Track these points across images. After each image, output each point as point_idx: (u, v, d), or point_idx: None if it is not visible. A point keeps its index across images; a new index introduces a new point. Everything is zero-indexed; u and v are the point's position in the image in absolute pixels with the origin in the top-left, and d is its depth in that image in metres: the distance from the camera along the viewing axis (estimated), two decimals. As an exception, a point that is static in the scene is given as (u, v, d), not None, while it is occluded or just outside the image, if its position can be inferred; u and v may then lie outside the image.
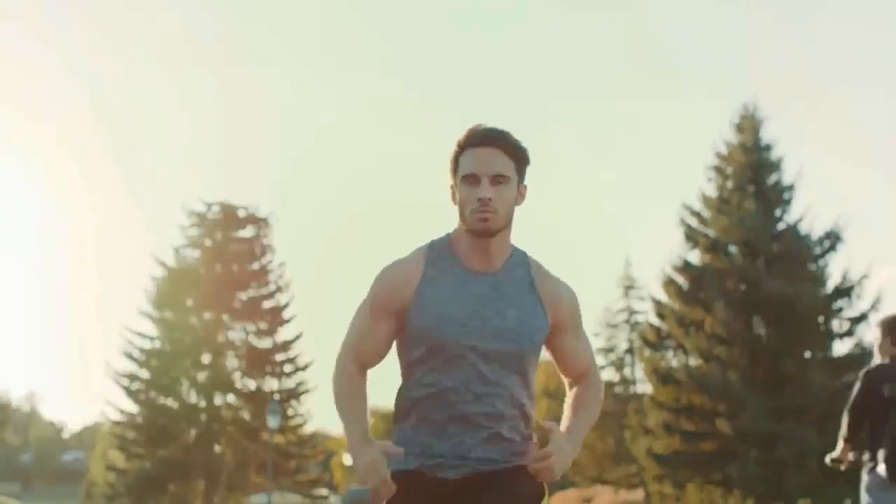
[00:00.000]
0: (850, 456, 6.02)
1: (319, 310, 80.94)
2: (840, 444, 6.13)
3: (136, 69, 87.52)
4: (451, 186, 3.08)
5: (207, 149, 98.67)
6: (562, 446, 2.98)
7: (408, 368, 3.09)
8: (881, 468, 5.82)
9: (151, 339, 35.87)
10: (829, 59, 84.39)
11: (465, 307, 3.00)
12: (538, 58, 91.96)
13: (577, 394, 3.19)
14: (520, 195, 3.07)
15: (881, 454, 5.82)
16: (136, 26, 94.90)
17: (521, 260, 3.11)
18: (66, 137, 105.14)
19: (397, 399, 3.13)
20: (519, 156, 3.03)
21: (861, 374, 6.07)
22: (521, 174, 3.05)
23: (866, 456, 5.97)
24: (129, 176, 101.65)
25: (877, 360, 6.22)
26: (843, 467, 6.12)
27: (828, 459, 5.99)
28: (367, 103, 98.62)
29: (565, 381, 3.22)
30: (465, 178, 3.00)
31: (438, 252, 3.09)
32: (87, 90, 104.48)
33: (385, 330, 3.07)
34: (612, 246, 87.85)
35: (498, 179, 2.98)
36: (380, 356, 3.12)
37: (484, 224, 2.97)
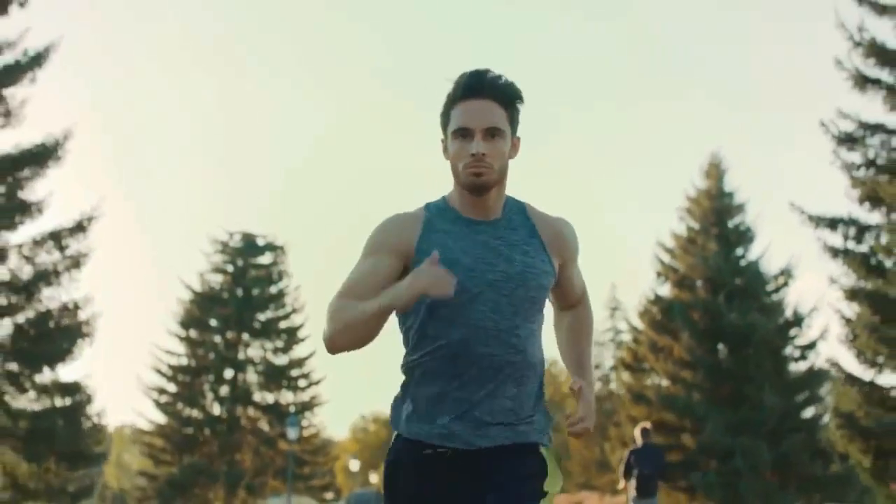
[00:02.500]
0: (627, 488, 12.63)
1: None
2: (622, 482, 13.32)
3: (136, 71, 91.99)
4: (442, 141, 3.07)
5: (207, 152, 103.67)
6: (590, 402, 3.10)
7: (416, 327, 3.05)
8: (633, 494, 13.10)
9: (178, 355, 41.16)
10: (828, 62, 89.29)
11: (472, 253, 3.00)
12: (538, 63, 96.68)
13: (575, 319, 3.33)
14: (513, 148, 3.06)
15: (633, 484, 13.12)
16: (135, 28, 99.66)
17: (517, 207, 3.13)
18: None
19: (403, 364, 3.11)
20: (513, 105, 3.03)
21: (627, 451, 13.31)
22: (514, 124, 3.04)
23: (630, 486, 13.05)
24: (128, 177, 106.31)
25: (637, 444, 13.55)
26: (625, 494, 13.15)
27: (618, 487, 13.56)
28: (366, 108, 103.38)
29: (555, 305, 3.36)
30: (456, 132, 2.99)
31: (435, 206, 3.11)
32: (87, 91, 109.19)
33: (387, 267, 3.00)
34: (611, 250, 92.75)
35: (491, 132, 2.97)
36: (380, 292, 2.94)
37: (478, 179, 2.97)
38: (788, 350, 34.08)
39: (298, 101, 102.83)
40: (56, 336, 20.59)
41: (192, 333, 41.40)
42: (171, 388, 40.85)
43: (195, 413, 40.76)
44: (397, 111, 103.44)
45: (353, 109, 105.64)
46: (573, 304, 3.32)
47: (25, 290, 20.28)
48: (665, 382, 34.21)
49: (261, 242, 42.43)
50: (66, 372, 20.37)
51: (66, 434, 20.66)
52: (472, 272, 2.98)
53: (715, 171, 35.32)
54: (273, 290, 42.18)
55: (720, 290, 33.43)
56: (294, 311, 42.20)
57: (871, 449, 19.36)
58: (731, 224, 34.76)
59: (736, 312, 33.00)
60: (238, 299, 41.40)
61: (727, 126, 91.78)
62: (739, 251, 34.72)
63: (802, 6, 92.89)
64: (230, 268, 42.12)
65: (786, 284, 34.15)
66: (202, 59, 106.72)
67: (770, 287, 34.20)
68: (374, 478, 68.02)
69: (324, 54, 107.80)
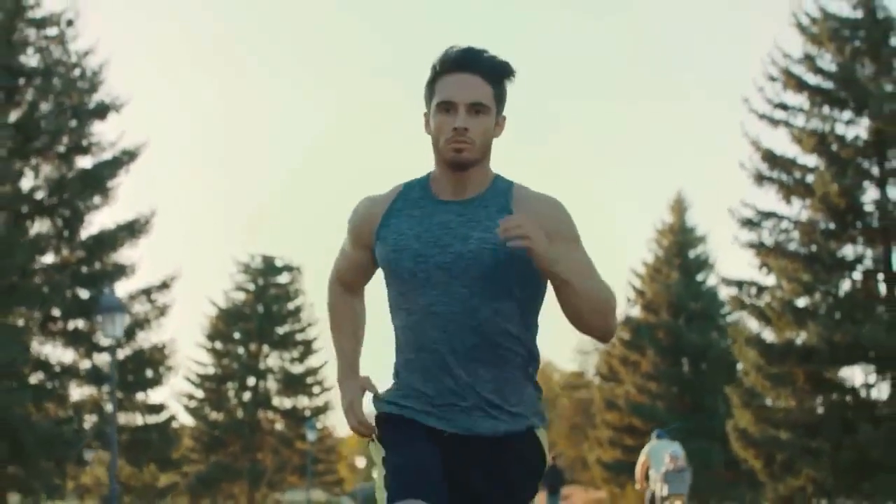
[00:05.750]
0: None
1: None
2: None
3: (136, 71, 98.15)
4: (425, 114, 3.15)
5: (209, 152, 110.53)
6: (532, 221, 2.91)
7: (389, 305, 3.23)
8: (545, 495, 21.74)
9: (205, 365, 48.82)
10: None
11: (425, 237, 3.09)
12: (538, 59, 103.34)
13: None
14: (498, 126, 3.13)
15: (547, 491, 21.90)
16: (135, 28, 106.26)
17: (502, 187, 3.15)
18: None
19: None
20: (500, 81, 3.10)
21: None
22: (500, 102, 3.12)
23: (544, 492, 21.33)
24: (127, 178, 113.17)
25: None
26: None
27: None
28: (368, 109, 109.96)
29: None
30: (440, 106, 3.06)
31: (413, 186, 3.21)
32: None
33: (358, 258, 3.30)
34: (611, 251, 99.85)
35: (475, 108, 3.03)
36: (361, 280, 3.38)
37: (458, 155, 3.03)
38: (740, 366, 42.01)
39: (298, 101, 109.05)
40: (148, 369, 28.65)
41: (218, 345, 49.00)
42: (199, 394, 48.38)
43: (221, 417, 48.17)
44: (399, 111, 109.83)
45: (354, 110, 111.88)
46: None
47: (125, 333, 28.22)
48: (634, 392, 42.13)
49: (279, 263, 50.22)
50: (155, 395, 28.47)
51: (157, 444, 28.73)
52: (419, 257, 3.07)
53: (679, 208, 43.22)
54: (290, 306, 49.91)
55: (681, 314, 41.37)
56: (309, 325, 49.91)
57: (761, 455, 27.22)
58: (692, 255, 42.68)
59: (695, 333, 40.95)
60: (259, 315, 48.97)
61: (725, 124, 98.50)
62: (699, 278, 42.64)
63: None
64: (252, 286, 49.85)
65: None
66: (202, 60, 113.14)
67: (725, 310, 42.12)
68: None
69: (324, 54, 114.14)
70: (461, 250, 3.05)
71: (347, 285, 3.39)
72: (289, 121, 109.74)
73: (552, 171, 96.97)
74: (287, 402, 49.30)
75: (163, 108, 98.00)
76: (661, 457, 16.50)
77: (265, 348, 49.05)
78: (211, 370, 48.62)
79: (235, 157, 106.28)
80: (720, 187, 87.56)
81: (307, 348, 49.58)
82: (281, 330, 49.44)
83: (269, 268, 50.09)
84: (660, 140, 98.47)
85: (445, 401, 3.09)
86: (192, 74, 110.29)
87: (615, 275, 46.48)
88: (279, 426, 49.41)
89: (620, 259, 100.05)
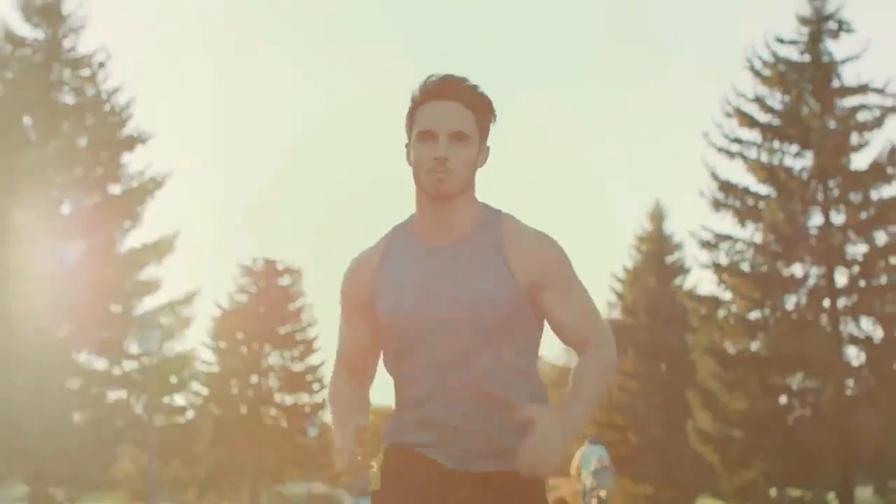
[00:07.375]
0: None
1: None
2: None
3: (139, 53, 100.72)
4: (406, 145, 3.15)
5: (209, 144, 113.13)
6: (547, 437, 2.93)
7: (386, 360, 3.28)
8: None
9: (210, 363, 53.03)
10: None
11: (419, 286, 3.11)
12: (534, 40, 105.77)
13: (577, 365, 3.17)
14: (482, 154, 3.13)
15: None
16: (138, 9, 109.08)
17: (491, 220, 3.16)
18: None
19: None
20: (481, 109, 3.10)
21: None
22: (483, 130, 3.12)
23: None
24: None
25: None
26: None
27: None
28: (372, 98, 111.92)
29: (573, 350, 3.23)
30: (420, 135, 3.07)
31: (399, 233, 3.22)
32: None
33: (360, 327, 3.26)
34: (603, 233, 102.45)
35: (457, 136, 3.04)
36: (364, 356, 3.32)
37: (439, 186, 3.05)
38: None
39: (300, 89, 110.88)
40: (173, 375, 33.09)
41: (222, 344, 53.25)
42: (204, 391, 52.63)
43: (225, 413, 52.50)
44: (401, 114, 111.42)
45: (357, 99, 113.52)
46: (577, 342, 3.19)
47: (151, 343, 32.81)
48: (615, 390, 46.54)
49: (280, 267, 54.44)
50: (178, 399, 33.03)
51: (182, 441, 33.21)
52: (418, 307, 3.09)
53: (657, 216, 47.60)
54: (291, 307, 54.10)
55: (658, 317, 45.80)
56: (309, 325, 53.99)
57: (717, 450, 31.67)
58: (668, 261, 47.10)
59: (671, 335, 45.33)
60: (261, 315, 53.25)
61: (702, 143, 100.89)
62: (677, 282, 47.04)
63: None
64: (254, 288, 54.09)
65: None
66: (207, 42, 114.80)
67: (701, 312, 46.52)
68: (373, 465, 79.95)
69: (323, 53, 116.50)
70: (457, 299, 3.08)
71: (353, 368, 3.37)
72: (289, 124, 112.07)
73: (544, 165, 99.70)
74: (288, 399, 53.15)
75: (164, 108, 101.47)
76: (589, 459, 21.60)
77: (267, 347, 52.99)
78: (215, 368, 52.52)
79: (231, 159, 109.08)
80: (699, 197, 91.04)
81: (307, 347, 53.42)
82: (282, 330, 53.22)
83: (271, 271, 54.25)
84: (645, 146, 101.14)
85: (453, 448, 3.14)
86: (188, 70, 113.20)
87: (603, 279, 50.63)
88: (281, 422, 53.45)
89: (612, 260, 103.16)
